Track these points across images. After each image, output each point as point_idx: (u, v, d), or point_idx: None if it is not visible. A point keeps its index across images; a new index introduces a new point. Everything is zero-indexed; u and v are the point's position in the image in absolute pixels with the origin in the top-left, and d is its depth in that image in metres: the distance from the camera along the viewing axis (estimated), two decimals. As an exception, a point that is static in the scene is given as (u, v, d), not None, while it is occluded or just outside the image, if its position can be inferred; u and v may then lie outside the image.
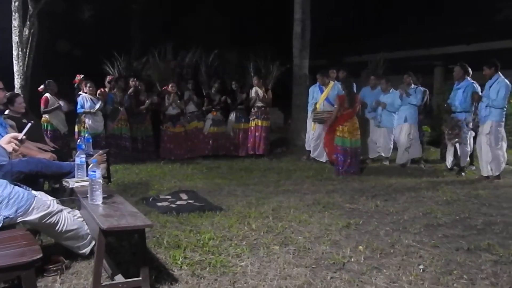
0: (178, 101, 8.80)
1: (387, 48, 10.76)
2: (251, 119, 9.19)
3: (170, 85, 8.74)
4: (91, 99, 8.02)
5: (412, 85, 8.03)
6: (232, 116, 9.30)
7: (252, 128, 9.17)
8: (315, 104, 8.45)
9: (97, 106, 7.99)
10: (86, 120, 8.00)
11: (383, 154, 8.46)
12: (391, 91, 8.32)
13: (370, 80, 8.76)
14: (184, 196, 5.52)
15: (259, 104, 9.09)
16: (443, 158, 8.18)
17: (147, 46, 9.82)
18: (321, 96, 8.30)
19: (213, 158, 8.95)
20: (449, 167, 7.45)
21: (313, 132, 8.55)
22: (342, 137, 7.19)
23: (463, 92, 6.99)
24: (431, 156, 9.01)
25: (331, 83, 8.33)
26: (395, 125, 8.29)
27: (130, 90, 8.67)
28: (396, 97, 8.17)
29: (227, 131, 9.31)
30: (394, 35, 15.00)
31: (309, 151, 8.73)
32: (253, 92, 9.11)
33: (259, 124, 9.11)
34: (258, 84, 9.07)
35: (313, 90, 8.78)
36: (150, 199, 5.34)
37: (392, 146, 8.41)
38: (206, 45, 10.13)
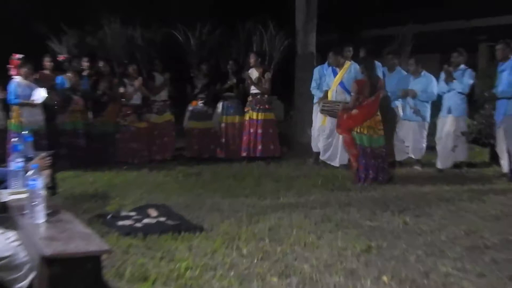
0: (143, 87, 8.80)
1: (418, 20, 10.83)
2: (246, 110, 9.20)
3: (131, 67, 8.75)
4: (28, 85, 7.93)
5: (461, 66, 7.99)
6: (220, 107, 9.32)
7: (246, 122, 9.17)
8: (326, 91, 8.48)
9: (37, 95, 7.83)
10: (22, 112, 7.90)
11: (413, 156, 8.49)
12: (422, 74, 8.36)
13: (390, 62, 8.74)
14: (153, 212, 5.50)
15: (254, 90, 9.11)
16: (492, 160, 8.21)
17: (106, 17, 9.78)
18: (335, 80, 8.33)
19: (192, 162, 8.93)
20: (504, 171, 7.48)
21: (323, 127, 8.54)
22: (360, 134, 7.20)
23: (509, 75, 7.04)
24: (476, 157, 9.07)
25: (347, 63, 8.36)
26: (429, 118, 8.32)
27: (88, 72, 8.70)
28: (429, 82, 8.21)
29: (213, 126, 9.34)
30: (426, 3, 15.09)
31: (317, 152, 8.75)
32: (247, 75, 9.14)
33: (254, 117, 9.08)
34: (255, 63, 9.10)
35: (320, 71, 8.80)
36: (109, 217, 5.32)
37: (425, 146, 8.45)
38: (189, 14, 10.14)
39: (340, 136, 7.87)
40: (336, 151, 8.28)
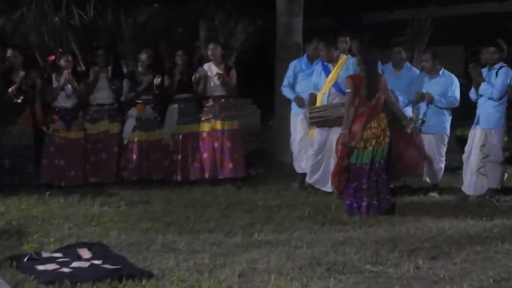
0: (77, 84, 8.71)
1: (436, 0, 10.94)
2: (203, 118, 9.19)
3: (62, 58, 8.66)
4: None
5: (500, 63, 7.95)
6: (173, 113, 9.29)
7: (205, 134, 9.16)
8: (311, 94, 8.48)
9: None
10: None
11: (428, 180, 8.55)
12: (440, 73, 8.44)
13: (396, 56, 8.85)
14: (85, 253, 5.44)
15: (217, 92, 9.11)
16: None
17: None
18: (327, 80, 8.35)
19: (139, 186, 8.90)
20: None
21: (308, 141, 8.58)
22: (357, 149, 7.24)
23: None
24: (509, 182, 9.16)
25: (343, 57, 8.40)
26: (448, 130, 8.41)
27: None
28: (449, 84, 8.29)
29: (164, 138, 9.31)
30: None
31: (302, 174, 8.78)
32: (203, 71, 9.10)
33: (219, 127, 9.11)
34: (215, 54, 9.08)
35: (296, 67, 8.81)
36: (26, 259, 5.23)
37: (443, 166, 8.51)
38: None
39: (333, 153, 7.90)
40: (327, 172, 8.28)
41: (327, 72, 8.37)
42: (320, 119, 8.14)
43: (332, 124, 8.05)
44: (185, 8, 10.18)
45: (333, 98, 8.23)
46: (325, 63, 8.44)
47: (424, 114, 8.32)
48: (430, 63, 8.43)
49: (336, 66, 8.32)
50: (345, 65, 8.28)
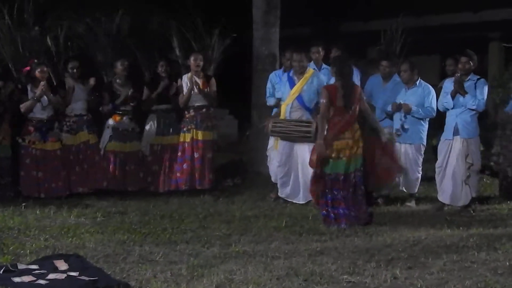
0: (52, 95, 8.66)
1: (411, 11, 11.02)
2: (184, 129, 9.19)
3: (37, 69, 8.62)
4: None
5: (471, 74, 8.07)
6: (151, 124, 9.30)
7: (186, 144, 9.16)
8: (277, 101, 8.50)
9: None
10: None
11: (405, 189, 8.61)
12: (417, 83, 8.51)
13: (383, 69, 8.93)
14: (62, 264, 5.40)
15: (198, 102, 9.12)
16: (506, 195, 8.38)
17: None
18: (291, 92, 8.33)
19: (116, 197, 8.86)
20: None
21: (274, 152, 8.62)
22: (333, 159, 7.28)
23: None
24: (485, 191, 9.23)
25: (310, 71, 8.41)
26: (425, 140, 8.48)
27: None
28: (427, 94, 8.35)
29: (141, 149, 9.30)
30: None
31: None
32: (183, 82, 9.12)
33: (200, 137, 9.10)
34: (198, 65, 9.09)
35: (273, 79, 8.98)
36: (1, 271, 5.20)
37: (420, 175, 8.57)
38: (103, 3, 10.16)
39: (300, 164, 7.95)
40: (296, 184, 8.32)
41: (292, 84, 8.38)
42: (281, 134, 8.17)
43: (293, 140, 8.16)
44: (158, 17, 10.18)
45: (295, 111, 8.26)
46: (290, 75, 8.44)
47: (402, 125, 8.37)
48: (408, 74, 8.46)
49: (301, 79, 8.31)
50: (310, 79, 8.29)
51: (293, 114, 8.23)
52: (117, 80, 9.25)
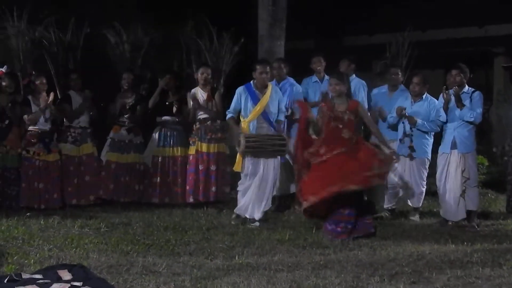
0: (53, 107, 8.70)
1: (416, 25, 11.03)
2: (190, 142, 9.22)
3: (37, 80, 8.67)
4: None
5: (466, 87, 8.12)
6: (154, 136, 9.36)
7: (191, 156, 9.18)
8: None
9: None
10: None
11: (409, 203, 8.61)
12: (424, 97, 8.54)
13: (392, 77, 8.94)
14: (66, 274, 5.38)
15: (203, 115, 9.14)
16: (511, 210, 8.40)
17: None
18: (255, 109, 8.14)
19: (119, 208, 8.87)
20: None
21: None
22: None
23: None
24: (490, 206, 9.21)
25: (269, 85, 8.27)
26: (430, 154, 8.48)
27: None
28: (432, 108, 8.37)
29: (139, 161, 9.40)
30: (427, 4, 15.43)
31: (278, 196, 8.92)
32: (191, 96, 9.12)
33: (204, 149, 9.09)
34: (203, 79, 9.10)
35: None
36: (6, 280, 5.19)
37: (424, 190, 8.58)
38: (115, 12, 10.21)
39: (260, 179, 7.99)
40: (248, 199, 8.10)
41: (255, 100, 8.19)
42: (256, 149, 7.96)
43: (267, 156, 8.01)
44: (171, 30, 10.23)
45: (260, 127, 8.18)
46: (253, 90, 8.24)
47: (410, 138, 8.39)
48: (420, 87, 8.50)
49: (265, 94, 8.19)
50: (270, 93, 8.20)
51: (259, 130, 8.15)
52: (122, 92, 9.36)
